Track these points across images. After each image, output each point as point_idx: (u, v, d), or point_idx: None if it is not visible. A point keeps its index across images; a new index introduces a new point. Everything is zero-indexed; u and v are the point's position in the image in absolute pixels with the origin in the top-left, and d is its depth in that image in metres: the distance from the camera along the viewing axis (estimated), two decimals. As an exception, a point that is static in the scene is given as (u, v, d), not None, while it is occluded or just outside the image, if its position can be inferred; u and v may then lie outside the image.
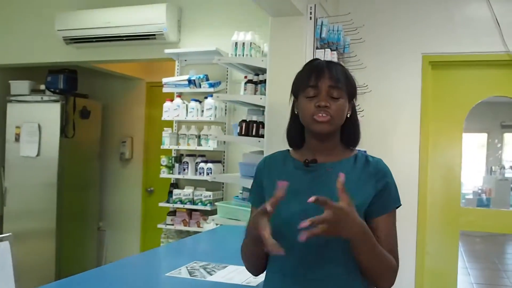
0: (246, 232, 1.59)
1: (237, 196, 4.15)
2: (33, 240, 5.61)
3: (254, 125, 3.69)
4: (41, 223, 5.59)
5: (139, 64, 6.31)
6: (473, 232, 8.35)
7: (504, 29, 3.96)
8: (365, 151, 3.84)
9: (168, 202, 4.87)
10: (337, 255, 1.52)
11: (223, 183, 4.84)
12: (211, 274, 2.21)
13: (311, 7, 3.43)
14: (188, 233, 4.77)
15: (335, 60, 3.46)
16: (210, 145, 4.68)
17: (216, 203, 4.24)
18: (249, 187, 1.81)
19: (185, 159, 4.81)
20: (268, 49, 3.54)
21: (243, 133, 3.72)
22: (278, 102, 3.32)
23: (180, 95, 4.85)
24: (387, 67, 4.26)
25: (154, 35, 4.85)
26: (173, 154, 4.98)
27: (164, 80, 4.83)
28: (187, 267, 2.31)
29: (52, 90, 5.65)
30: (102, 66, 5.99)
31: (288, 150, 1.74)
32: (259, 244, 1.42)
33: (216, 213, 4.05)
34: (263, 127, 3.61)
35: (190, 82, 4.69)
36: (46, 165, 5.56)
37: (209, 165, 4.65)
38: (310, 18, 3.42)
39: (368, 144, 4.01)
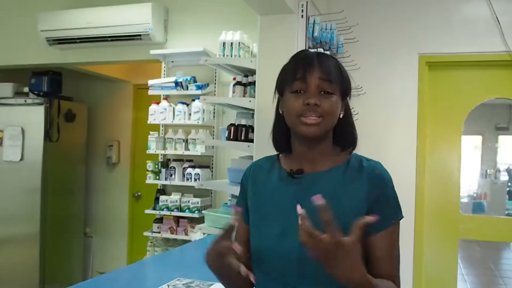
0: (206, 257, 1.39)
1: (226, 203, 3.98)
2: (16, 246, 5.50)
3: (243, 129, 3.51)
4: (24, 228, 5.44)
5: (126, 66, 6.15)
6: (467, 238, 8.24)
7: (505, 28, 3.81)
8: (360, 156, 3.71)
9: (154, 209, 4.70)
10: (322, 278, 1.26)
11: (211, 190, 4.66)
12: (193, 294, 2.03)
13: (302, 5, 3.26)
14: (176, 241, 4.63)
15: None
16: (198, 150, 4.52)
17: (203, 211, 4.07)
18: (238, 194, 1.62)
19: (172, 164, 4.65)
20: (257, 49, 3.37)
21: (231, 137, 3.54)
22: (267, 105, 3.09)
23: (166, 97, 4.69)
24: (382, 68, 4.10)
25: (139, 35, 4.70)
26: (160, 159, 4.81)
27: (150, 82, 4.67)
28: (168, 286, 2.13)
29: (36, 92, 5.50)
30: (88, 68, 5.85)
31: (278, 155, 1.54)
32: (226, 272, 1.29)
33: (204, 221, 3.87)
34: (253, 131, 3.44)
35: (177, 84, 4.53)
36: (30, 169, 5.40)
37: (197, 170, 4.49)
38: (302, 16, 3.25)
39: (362, 149, 3.86)
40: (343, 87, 1.38)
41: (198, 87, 4.49)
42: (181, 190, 4.71)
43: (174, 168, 4.62)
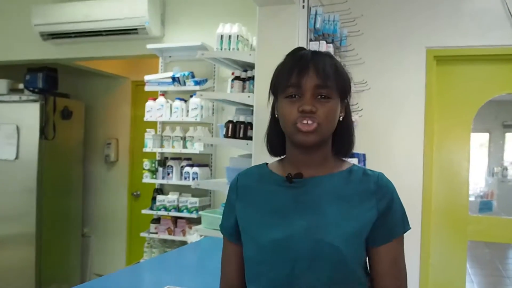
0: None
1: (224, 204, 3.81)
2: (11, 246, 5.40)
3: (242, 126, 3.35)
4: (19, 228, 5.35)
5: (124, 62, 6.04)
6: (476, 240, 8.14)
7: (517, 21, 3.66)
8: (364, 155, 3.56)
9: (151, 209, 4.56)
10: (330, 285, 1.25)
11: (210, 190, 4.51)
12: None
13: (303, -6, 3.10)
14: (173, 243, 4.50)
15: (331, 52, 3.12)
16: (196, 148, 4.37)
17: (200, 212, 3.92)
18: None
19: (170, 162, 4.51)
20: (256, 42, 3.21)
21: (229, 135, 3.38)
22: (267, 101, 2.97)
23: (164, 94, 4.54)
24: (388, 62, 3.96)
25: (135, 29, 4.56)
26: (157, 157, 4.66)
27: (146, 77, 4.52)
28: (156, 294, 1.97)
29: (31, 89, 5.37)
30: (85, 64, 5.73)
31: (266, 164, 1.46)
32: None
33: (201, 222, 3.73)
34: (252, 128, 3.28)
35: (174, 79, 4.38)
36: (25, 168, 5.29)
37: (195, 169, 4.34)
38: (303, 6, 3.08)
39: (367, 146, 3.74)
40: (342, 88, 1.31)
41: (196, 83, 4.34)
42: (179, 190, 4.57)
43: (172, 167, 4.48)
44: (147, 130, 4.58)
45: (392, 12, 3.97)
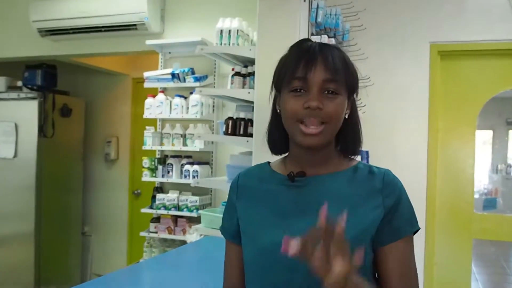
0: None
1: (225, 202, 3.75)
2: (9, 246, 5.37)
3: (242, 122, 3.27)
4: (18, 227, 5.30)
5: (124, 59, 5.98)
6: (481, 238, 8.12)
7: (522, 14, 3.60)
8: (367, 152, 3.50)
9: (151, 207, 4.50)
10: None
11: (211, 188, 4.45)
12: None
13: (305, -13, 3.03)
14: (173, 242, 4.45)
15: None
16: (196, 145, 4.32)
17: (200, 211, 3.86)
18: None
19: (170, 160, 4.46)
20: (256, 37, 3.15)
21: (229, 131, 3.31)
22: (267, 97, 2.89)
23: (163, 90, 4.48)
24: (391, 58, 3.90)
25: (135, 25, 4.50)
26: (157, 155, 4.60)
27: (146, 74, 4.46)
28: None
29: (30, 86, 5.33)
30: (84, 61, 5.67)
31: (268, 163, 1.38)
32: None
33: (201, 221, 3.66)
34: (252, 125, 3.20)
35: (174, 76, 4.32)
36: (24, 166, 5.25)
37: (196, 167, 4.28)
38: (304, 0, 3.02)
39: (370, 143, 3.66)
40: (350, 83, 1.23)
41: (196, 79, 4.28)
42: (179, 188, 4.53)
43: (172, 164, 4.43)
44: (147, 127, 4.53)
45: (396, 6, 3.92)
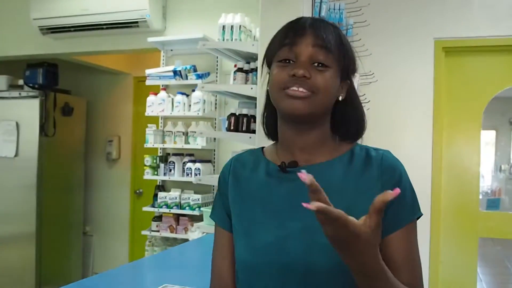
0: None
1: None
2: (10, 245, 5.37)
3: (245, 119, 3.25)
4: (20, 227, 5.30)
5: (126, 57, 5.99)
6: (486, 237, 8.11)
7: (528, 10, 3.59)
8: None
9: (153, 206, 4.48)
10: None
11: (213, 185, 4.42)
12: (180, 305, 1.79)
13: (308, -19, 3.01)
14: (175, 241, 4.43)
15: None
16: (198, 143, 4.31)
17: (202, 209, 3.83)
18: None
19: (172, 158, 4.44)
20: (259, 31, 3.12)
21: (232, 128, 3.29)
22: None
23: (165, 88, 4.46)
24: (395, 54, 3.88)
25: (136, 22, 4.51)
26: (159, 153, 4.58)
27: (147, 71, 4.46)
28: (153, 293, 1.88)
29: (31, 85, 5.32)
30: (86, 60, 5.68)
31: (262, 148, 1.29)
32: None
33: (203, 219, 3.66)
34: (255, 121, 3.18)
35: (176, 73, 4.30)
36: (25, 165, 5.25)
37: (198, 165, 4.26)
38: (307, -6, 3.00)
39: (373, 140, 3.63)
40: (344, 60, 1.13)
41: (198, 76, 4.27)
42: (181, 186, 4.51)
43: (174, 162, 4.41)
44: (148, 125, 4.53)
45: (400, 2, 3.89)
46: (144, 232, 4.54)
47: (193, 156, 4.50)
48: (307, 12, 2.99)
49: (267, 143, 1.35)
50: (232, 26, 3.45)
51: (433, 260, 3.80)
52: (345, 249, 0.90)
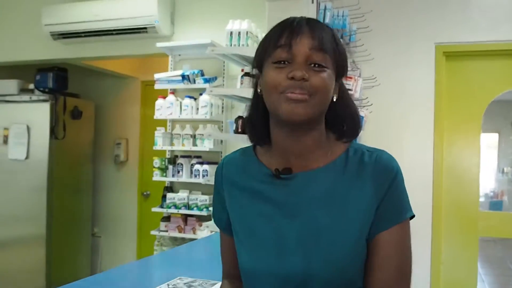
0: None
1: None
2: (22, 246, 5.44)
3: (252, 122, 3.36)
4: (30, 228, 5.36)
5: (133, 62, 6.05)
6: (487, 236, 8.09)
7: (526, 15, 3.66)
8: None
9: (161, 207, 4.56)
10: None
11: (220, 187, 4.49)
12: (195, 294, 1.89)
13: (313, -11, 3.12)
14: (183, 240, 4.47)
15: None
16: (206, 146, 4.37)
17: (211, 208, 3.92)
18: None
19: (180, 160, 4.51)
20: (265, 37, 3.22)
21: (239, 130, 3.40)
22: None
23: (173, 91, 4.55)
24: (397, 58, 3.97)
25: (145, 28, 4.58)
26: (167, 155, 4.67)
27: (156, 75, 4.53)
28: (168, 285, 1.98)
29: (41, 89, 5.40)
30: (95, 64, 5.76)
31: (254, 147, 1.26)
32: None
33: (211, 219, 3.73)
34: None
35: (184, 77, 4.39)
36: (36, 168, 5.32)
37: (205, 166, 4.34)
38: (312, 1, 3.11)
39: (376, 142, 3.72)
40: (339, 62, 1.12)
41: (206, 81, 4.35)
42: (189, 187, 4.57)
43: (182, 164, 4.48)
44: (157, 128, 4.58)
45: (401, 8, 3.98)
46: (153, 232, 4.61)
47: (201, 158, 4.56)
48: (312, 19, 3.09)
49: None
50: (239, 32, 3.55)
51: (435, 260, 3.87)
52: None
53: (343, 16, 3.31)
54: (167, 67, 4.78)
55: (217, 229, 3.34)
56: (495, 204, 9.92)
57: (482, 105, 3.96)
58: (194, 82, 4.40)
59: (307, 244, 1.08)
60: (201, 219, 4.44)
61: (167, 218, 4.57)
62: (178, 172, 4.49)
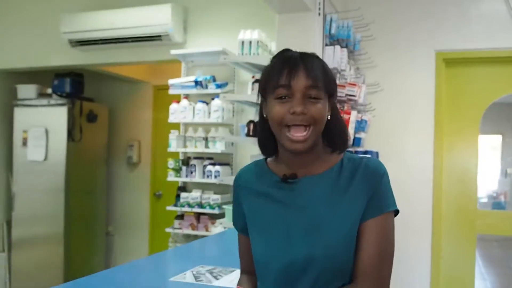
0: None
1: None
2: (41, 245, 5.61)
3: (262, 125, 3.56)
4: (49, 228, 5.54)
5: (146, 67, 6.24)
6: (489, 236, 8.17)
7: (521, 24, 3.83)
8: (377, 153, 3.76)
9: (175, 205, 4.77)
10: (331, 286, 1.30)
11: (231, 186, 4.66)
12: (217, 279, 2.12)
13: (319, 3, 3.33)
14: (196, 237, 4.65)
15: (344, 57, 3.35)
16: (217, 148, 4.58)
17: (224, 206, 4.13)
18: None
19: (193, 162, 4.70)
20: (275, 47, 3.44)
21: (251, 134, 3.61)
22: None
23: (186, 96, 4.75)
24: (399, 65, 4.14)
25: (159, 36, 4.77)
26: (180, 157, 4.87)
27: (170, 81, 4.74)
28: (192, 272, 2.22)
29: (59, 94, 5.59)
30: (108, 69, 5.94)
31: (265, 159, 1.48)
32: None
33: (224, 217, 3.94)
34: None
35: (197, 83, 4.59)
36: (54, 169, 5.50)
37: (217, 167, 4.54)
38: (319, 14, 3.32)
39: (379, 145, 3.93)
40: (329, 89, 1.32)
41: (218, 86, 4.55)
42: (201, 187, 4.77)
43: (195, 165, 4.67)
44: (171, 131, 4.77)
45: (403, 17, 4.14)
46: (167, 230, 4.80)
47: (213, 159, 4.75)
48: (319, 30, 3.30)
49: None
50: (250, 42, 3.75)
51: (435, 255, 4.04)
52: None
53: (347, 27, 3.52)
54: (178, 72, 4.96)
55: (230, 225, 3.55)
56: (498, 205, 9.93)
57: (480, 108, 4.11)
58: (207, 87, 4.60)
59: (310, 235, 1.29)
60: (213, 217, 4.63)
61: (180, 217, 4.77)
62: (191, 172, 4.68)
